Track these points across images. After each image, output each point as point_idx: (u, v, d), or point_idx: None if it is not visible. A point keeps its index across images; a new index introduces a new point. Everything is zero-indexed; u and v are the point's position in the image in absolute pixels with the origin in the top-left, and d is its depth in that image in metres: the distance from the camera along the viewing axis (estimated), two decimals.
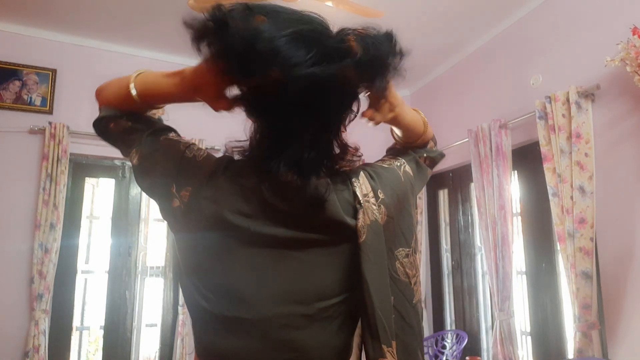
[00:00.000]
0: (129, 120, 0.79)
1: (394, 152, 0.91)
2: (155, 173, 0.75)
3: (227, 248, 0.70)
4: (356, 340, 0.77)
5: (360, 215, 0.71)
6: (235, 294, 0.69)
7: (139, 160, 0.77)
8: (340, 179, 0.74)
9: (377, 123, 0.79)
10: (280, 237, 0.70)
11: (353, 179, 0.74)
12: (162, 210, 0.76)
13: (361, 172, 0.76)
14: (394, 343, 0.70)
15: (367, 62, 0.66)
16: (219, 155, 0.78)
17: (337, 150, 0.75)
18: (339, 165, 0.75)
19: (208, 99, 0.71)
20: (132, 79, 0.76)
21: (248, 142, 0.75)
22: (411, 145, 0.90)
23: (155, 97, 0.77)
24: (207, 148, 3.23)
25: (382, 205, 0.74)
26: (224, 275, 0.70)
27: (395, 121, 0.82)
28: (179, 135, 0.83)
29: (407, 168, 0.83)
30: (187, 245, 0.73)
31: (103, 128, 0.81)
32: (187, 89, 0.73)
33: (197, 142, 3.20)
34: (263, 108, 0.70)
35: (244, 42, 0.61)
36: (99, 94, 0.82)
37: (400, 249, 0.75)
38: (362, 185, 0.74)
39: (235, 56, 0.62)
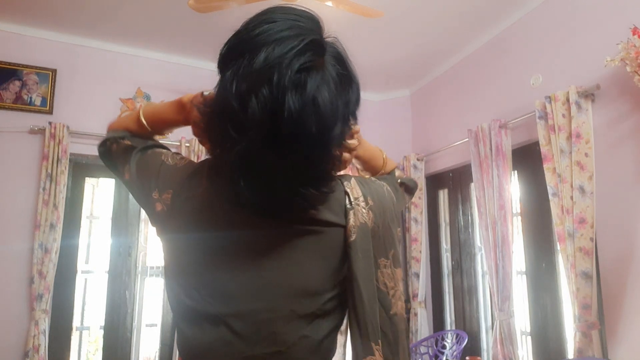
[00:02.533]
0: (129, 140, 0.86)
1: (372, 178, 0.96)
2: (142, 183, 0.79)
3: (211, 246, 0.71)
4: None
5: (351, 216, 0.73)
6: (220, 291, 0.70)
7: (129, 174, 0.82)
8: (333, 180, 0.76)
9: None
10: (267, 235, 0.71)
11: (345, 182, 0.77)
12: (150, 217, 0.79)
13: (352, 178, 0.79)
14: (380, 342, 0.71)
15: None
16: None
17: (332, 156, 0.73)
18: (333, 170, 0.75)
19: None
20: (141, 110, 0.87)
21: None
22: (377, 175, 0.97)
23: (162, 123, 0.88)
24: None
25: (370, 211, 0.76)
26: (209, 273, 0.71)
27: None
28: (168, 149, 0.87)
29: (388, 188, 0.87)
30: (172, 246, 0.75)
31: (107, 149, 0.88)
32: (189, 120, 0.82)
33: (197, 143, 3.20)
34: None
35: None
36: (109, 126, 0.91)
37: (382, 258, 0.77)
38: (353, 189, 0.76)
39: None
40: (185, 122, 0.85)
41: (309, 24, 0.66)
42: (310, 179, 0.67)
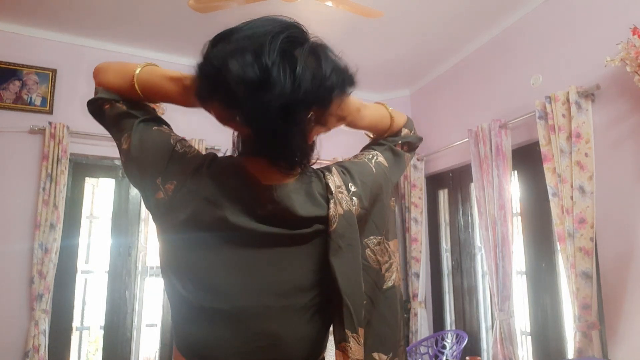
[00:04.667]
0: (124, 105, 0.80)
1: (369, 144, 0.95)
2: (144, 162, 0.76)
3: (207, 242, 0.72)
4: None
5: (332, 205, 0.74)
6: (214, 286, 0.72)
7: (129, 145, 0.77)
8: (314, 173, 0.79)
9: (326, 131, 0.83)
10: (258, 232, 0.72)
11: (326, 173, 0.79)
12: (146, 201, 0.77)
13: (333, 168, 0.81)
14: (361, 330, 0.73)
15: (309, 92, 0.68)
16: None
17: (308, 149, 0.77)
18: (310, 162, 0.79)
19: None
20: (136, 74, 0.78)
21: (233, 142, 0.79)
22: (382, 137, 0.95)
23: (158, 96, 0.81)
24: (207, 148, 3.24)
25: (354, 197, 0.77)
26: (204, 268, 0.72)
27: (350, 125, 0.87)
28: (171, 129, 0.84)
29: (381, 158, 0.87)
30: (169, 238, 0.75)
31: (97, 108, 0.82)
32: (190, 99, 0.76)
33: (197, 143, 3.21)
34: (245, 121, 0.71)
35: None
36: (97, 73, 0.83)
37: (372, 237, 0.79)
38: (334, 179, 0.78)
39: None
40: (185, 104, 0.80)
41: (288, 20, 0.71)
42: (302, 145, 0.73)
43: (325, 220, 0.74)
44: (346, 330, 0.71)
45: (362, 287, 0.74)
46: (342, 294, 0.71)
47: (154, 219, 0.77)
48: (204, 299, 0.71)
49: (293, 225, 0.73)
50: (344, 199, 0.75)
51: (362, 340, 0.72)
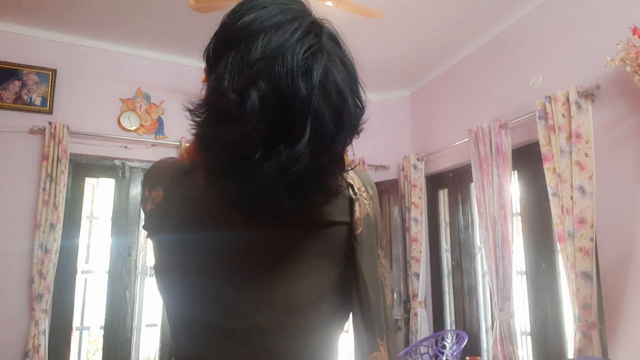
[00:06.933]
0: None
1: None
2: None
3: (211, 252, 0.65)
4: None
5: (357, 208, 0.69)
6: (221, 301, 0.66)
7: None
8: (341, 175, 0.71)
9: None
10: (269, 242, 0.66)
11: (345, 175, 0.71)
12: (144, 222, 0.73)
13: (350, 171, 0.73)
14: (384, 337, 0.68)
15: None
16: None
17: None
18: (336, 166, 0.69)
19: None
20: None
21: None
22: None
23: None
24: None
25: (371, 201, 0.73)
26: (209, 281, 0.66)
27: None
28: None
29: None
30: (167, 248, 0.68)
31: None
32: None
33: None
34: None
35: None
36: None
37: (379, 250, 0.74)
38: (354, 180, 0.72)
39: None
40: None
41: (299, 6, 0.63)
42: (329, 169, 0.62)
43: (348, 223, 0.68)
44: (377, 338, 0.67)
45: (381, 296, 0.70)
46: (372, 301, 0.67)
47: (149, 234, 0.71)
48: (208, 315, 0.66)
49: (312, 228, 0.66)
50: (363, 202, 0.71)
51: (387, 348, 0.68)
